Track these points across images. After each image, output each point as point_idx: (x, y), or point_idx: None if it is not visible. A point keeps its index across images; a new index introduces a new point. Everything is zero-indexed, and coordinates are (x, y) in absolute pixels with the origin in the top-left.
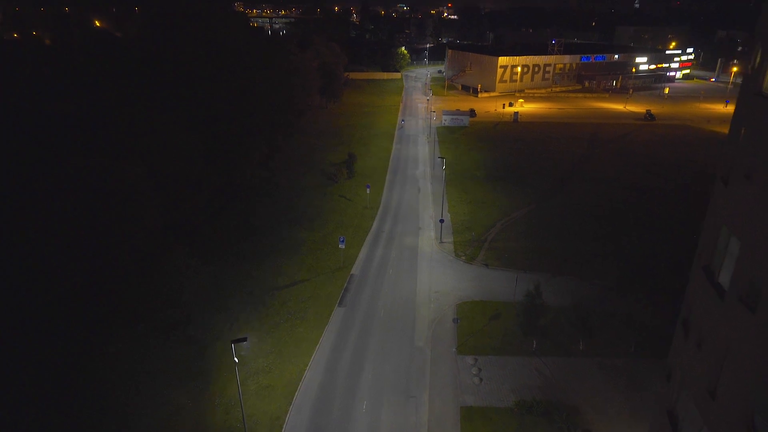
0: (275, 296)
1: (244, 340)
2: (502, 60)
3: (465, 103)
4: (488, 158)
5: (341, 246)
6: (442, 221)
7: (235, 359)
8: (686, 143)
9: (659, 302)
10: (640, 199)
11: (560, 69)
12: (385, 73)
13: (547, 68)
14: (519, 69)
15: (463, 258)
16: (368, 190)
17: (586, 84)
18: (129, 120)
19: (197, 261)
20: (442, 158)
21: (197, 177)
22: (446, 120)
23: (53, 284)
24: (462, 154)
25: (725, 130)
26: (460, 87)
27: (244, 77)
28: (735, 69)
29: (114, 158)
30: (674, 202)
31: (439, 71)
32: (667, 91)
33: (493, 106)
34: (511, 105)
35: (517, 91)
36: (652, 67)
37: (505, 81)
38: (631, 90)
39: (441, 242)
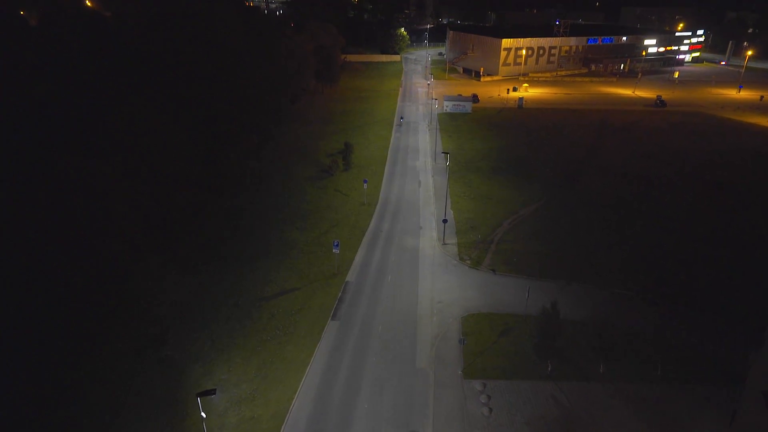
0: (263, 308)
1: (213, 393)
2: (506, 42)
3: (467, 88)
4: (493, 148)
5: (335, 251)
6: (445, 221)
7: (203, 414)
8: (700, 132)
9: (689, 316)
10: (658, 195)
11: (566, 52)
12: (384, 56)
13: (553, 51)
14: (523, 52)
15: (468, 262)
16: (365, 185)
17: (593, 68)
18: (100, 110)
19: (175, 269)
20: (446, 153)
21: (179, 172)
22: (448, 106)
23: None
24: (465, 143)
25: (740, 117)
26: (461, 70)
27: (232, 59)
28: (750, 52)
29: (81, 154)
30: (694, 198)
31: (440, 53)
32: (676, 75)
33: (496, 91)
34: (515, 90)
35: (521, 74)
36: (661, 49)
37: (509, 64)
38: (639, 74)
39: (444, 244)
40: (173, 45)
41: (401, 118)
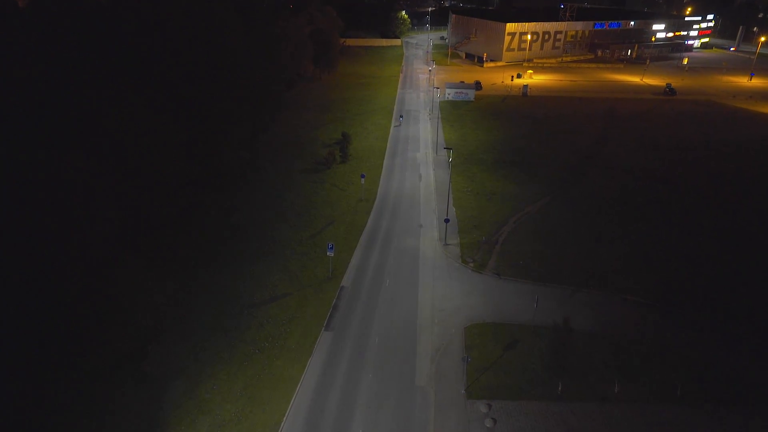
0: (251, 316)
1: None
2: (510, 27)
3: (469, 74)
4: (496, 139)
5: (330, 254)
6: (447, 221)
7: None
8: (713, 122)
9: (711, 327)
10: (669, 191)
11: (572, 37)
12: (384, 40)
13: (558, 36)
14: (528, 37)
15: (472, 265)
16: (363, 181)
17: (599, 53)
18: (78, 101)
19: (158, 274)
20: (448, 148)
21: (165, 166)
22: (450, 94)
23: None
24: (467, 133)
25: (753, 106)
26: (464, 55)
27: (221, 42)
28: (763, 39)
29: (55, 149)
30: (710, 195)
31: (442, 37)
32: (686, 61)
33: (500, 78)
34: (519, 76)
35: (525, 60)
36: (670, 35)
37: (513, 50)
38: (648, 60)
39: (445, 244)
40: (157, 26)
41: (401, 116)
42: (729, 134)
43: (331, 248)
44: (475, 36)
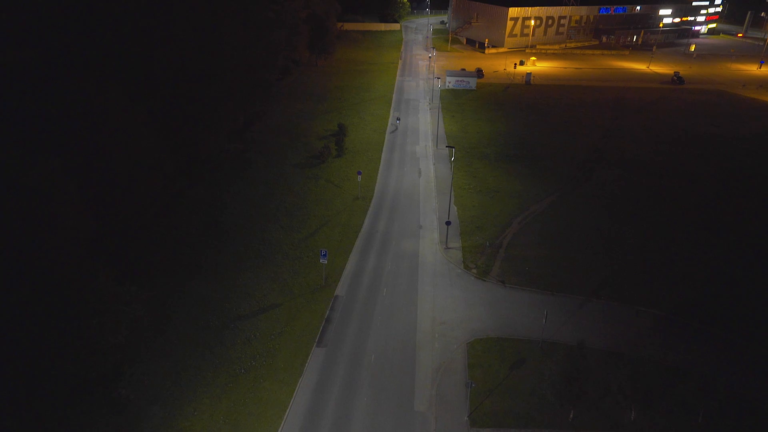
0: (237, 331)
1: None
2: (513, 11)
3: (471, 61)
4: (499, 131)
5: (323, 261)
6: (448, 224)
7: None
8: (724, 113)
9: (736, 345)
10: (684, 188)
11: (576, 22)
12: (383, 24)
13: (562, 21)
14: (531, 22)
15: (474, 271)
16: (359, 178)
17: (604, 39)
18: (40, 90)
19: (134, 283)
20: (451, 147)
21: (144, 160)
22: (450, 82)
23: None
24: (469, 125)
25: (764, 96)
26: (464, 41)
27: (209, 27)
28: None
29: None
30: (726, 192)
31: (442, 22)
32: (693, 48)
33: (502, 65)
34: (522, 63)
35: (528, 46)
36: (677, 20)
37: (515, 35)
38: (654, 47)
39: (447, 248)
40: (139, 15)
41: (397, 119)
42: (742, 127)
43: (324, 255)
44: (477, 21)
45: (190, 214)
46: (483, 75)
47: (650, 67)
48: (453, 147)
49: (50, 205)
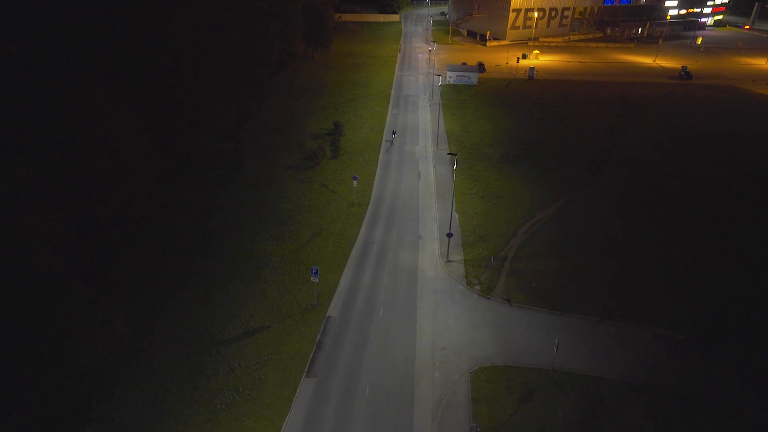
0: (220, 357)
1: None
2: (516, 2)
3: (472, 54)
4: (502, 129)
5: (314, 279)
6: (450, 236)
7: None
8: (734, 110)
9: (761, 369)
10: (699, 191)
11: (580, 14)
12: (382, 15)
13: (566, 13)
14: (534, 13)
15: (478, 287)
16: (355, 183)
17: (608, 32)
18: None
19: (110, 301)
20: (453, 154)
21: (128, 162)
22: (451, 77)
23: None
24: (470, 123)
25: None
26: (465, 33)
27: (198, 19)
28: None
29: None
30: (746, 196)
31: (442, 13)
32: (700, 41)
33: (504, 58)
34: (524, 57)
35: (530, 39)
36: (683, 12)
37: (518, 27)
38: (660, 40)
39: (447, 261)
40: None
41: (393, 133)
42: (755, 125)
43: (316, 273)
44: (478, 12)
45: (176, 221)
46: (485, 69)
47: (656, 61)
48: (455, 154)
49: (20, 213)
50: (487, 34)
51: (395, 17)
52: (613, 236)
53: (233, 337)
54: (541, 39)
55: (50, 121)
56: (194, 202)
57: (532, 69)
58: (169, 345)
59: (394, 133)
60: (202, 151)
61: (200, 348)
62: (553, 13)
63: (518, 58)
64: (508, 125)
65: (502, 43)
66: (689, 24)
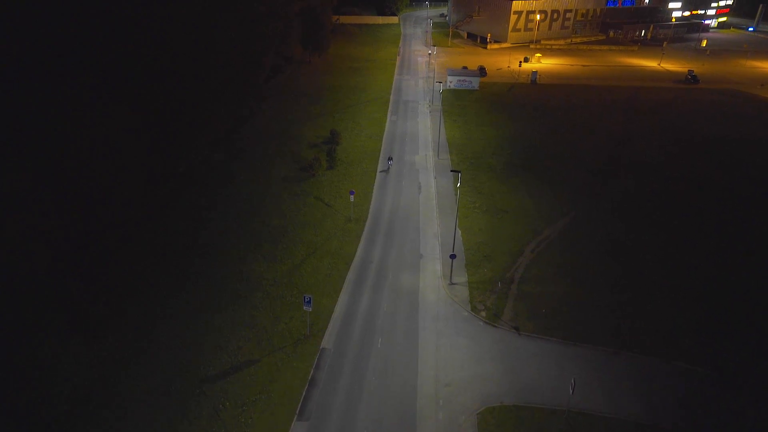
0: (204, 398)
1: None
2: (517, 4)
3: (472, 57)
4: (505, 137)
5: (307, 309)
6: (453, 257)
7: None
8: (743, 116)
9: None
10: (712, 203)
11: (582, 16)
12: (381, 17)
13: (568, 15)
14: (536, 16)
15: (483, 314)
16: (352, 198)
17: (611, 34)
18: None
19: (82, 332)
20: (457, 171)
21: (112, 175)
22: (452, 82)
23: None
24: (472, 130)
25: None
26: (465, 35)
27: (193, 21)
28: None
29: None
30: (762, 210)
31: (442, 15)
32: (704, 43)
33: (505, 62)
34: (526, 61)
35: (532, 42)
36: (686, 13)
37: (519, 30)
38: (665, 42)
39: (451, 284)
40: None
41: (389, 159)
42: (763, 130)
43: (309, 302)
44: (478, 14)
45: (162, 241)
46: (486, 73)
47: (661, 65)
48: (459, 171)
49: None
50: (488, 37)
51: (394, 19)
52: (625, 255)
53: (218, 373)
54: (543, 41)
55: (48, 121)
56: (180, 221)
57: (534, 73)
58: (146, 383)
59: (390, 159)
60: (192, 162)
61: (183, 387)
62: (555, 15)
63: (520, 62)
64: (512, 132)
65: (503, 45)
66: (693, 26)
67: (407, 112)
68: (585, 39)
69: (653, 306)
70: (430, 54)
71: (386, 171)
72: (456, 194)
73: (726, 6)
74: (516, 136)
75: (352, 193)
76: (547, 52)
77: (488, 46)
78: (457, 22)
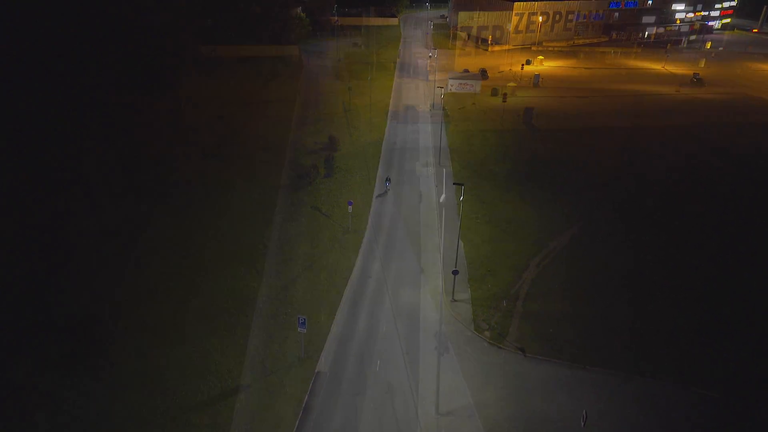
0: (191, 427)
1: None
2: (519, 6)
3: (473, 59)
4: (507, 143)
5: (301, 330)
6: (456, 273)
7: None
8: (754, 123)
9: None
10: (724, 215)
11: (584, 17)
12: (380, 19)
13: (570, 16)
14: (539, 17)
15: (488, 334)
16: (350, 208)
17: (614, 36)
18: None
19: (49, 367)
20: (460, 184)
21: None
22: (453, 85)
23: None
24: (473, 135)
25: None
26: (466, 36)
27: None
28: None
29: None
30: None
31: (442, 16)
32: (708, 45)
33: (507, 64)
34: (528, 63)
35: (534, 43)
36: (690, 15)
37: (521, 31)
38: (669, 44)
39: (453, 300)
40: None
41: (387, 181)
42: None
43: (303, 324)
44: (480, 16)
45: (150, 255)
46: (488, 76)
47: (665, 67)
48: (462, 184)
49: None
50: (489, 39)
51: (394, 21)
52: (635, 268)
53: (206, 399)
54: (545, 43)
55: None
56: (171, 233)
57: (537, 76)
58: (129, 411)
59: (387, 181)
60: (180, 171)
61: (167, 414)
62: (558, 16)
63: (522, 65)
64: (514, 138)
65: (505, 47)
66: (697, 28)
67: (407, 116)
68: (587, 41)
69: (664, 320)
70: (430, 56)
71: (384, 194)
72: (458, 205)
73: (730, 7)
74: (519, 142)
75: (350, 203)
76: (549, 54)
77: (489, 48)
78: (458, 23)
